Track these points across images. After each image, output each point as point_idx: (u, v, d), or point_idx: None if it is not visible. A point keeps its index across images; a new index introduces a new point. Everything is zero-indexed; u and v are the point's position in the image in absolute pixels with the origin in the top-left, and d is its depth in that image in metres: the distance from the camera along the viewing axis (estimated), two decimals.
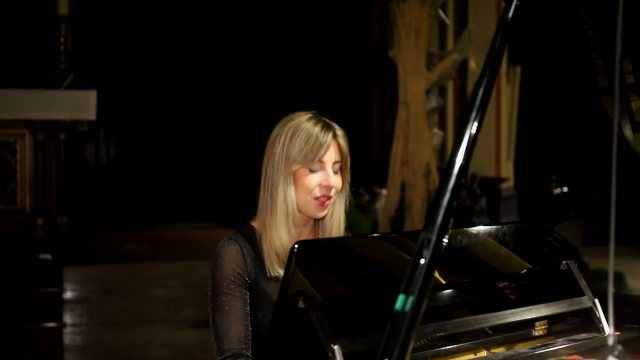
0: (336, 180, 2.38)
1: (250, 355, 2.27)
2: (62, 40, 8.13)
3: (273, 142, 2.40)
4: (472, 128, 1.48)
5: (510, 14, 1.61)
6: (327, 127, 2.38)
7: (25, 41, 10.91)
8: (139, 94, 13.28)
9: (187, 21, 13.33)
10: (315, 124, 2.37)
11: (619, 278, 8.66)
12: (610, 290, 1.29)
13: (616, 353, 1.22)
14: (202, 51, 13.45)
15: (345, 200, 2.48)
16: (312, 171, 2.36)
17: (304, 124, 2.37)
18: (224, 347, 2.27)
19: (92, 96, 7.59)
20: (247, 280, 2.33)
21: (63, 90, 7.75)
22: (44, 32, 8.95)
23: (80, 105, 7.57)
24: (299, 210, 2.38)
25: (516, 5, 1.64)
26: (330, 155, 2.37)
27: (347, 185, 2.46)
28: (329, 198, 2.38)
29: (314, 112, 2.43)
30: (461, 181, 1.46)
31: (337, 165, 2.40)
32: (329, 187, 2.36)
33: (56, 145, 7.57)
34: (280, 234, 2.35)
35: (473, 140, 1.49)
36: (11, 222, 7.47)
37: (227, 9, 13.29)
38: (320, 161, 2.35)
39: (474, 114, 1.49)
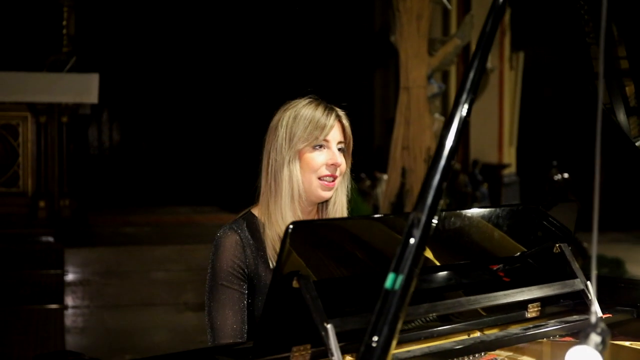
0: (342, 160, 2.39)
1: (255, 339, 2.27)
2: (64, 23, 8.16)
3: (275, 126, 2.40)
4: (463, 110, 1.50)
5: None
6: (329, 109, 2.40)
7: (28, 24, 10.91)
8: (142, 78, 13.30)
9: (189, 6, 13.32)
10: (317, 107, 2.39)
11: (618, 264, 8.69)
12: (594, 272, 1.31)
13: (599, 330, 1.24)
14: (205, 35, 13.46)
15: (347, 187, 2.48)
16: (317, 149, 2.36)
17: (306, 108, 2.38)
18: (219, 340, 2.27)
19: (94, 79, 7.62)
20: (246, 272, 2.32)
21: (65, 74, 7.78)
22: (47, 16, 8.96)
23: (82, 88, 7.59)
24: (305, 192, 2.37)
25: None
26: (335, 135, 2.38)
27: (348, 171, 2.47)
28: (334, 178, 2.38)
29: (313, 96, 2.44)
30: (451, 163, 1.48)
31: (341, 146, 2.40)
32: (335, 166, 2.37)
33: (58, 128, 7.60)
34: (285, 217, 2.34)
35: (463, 122, 1.50)
36: (13, 204, 7.51)
37: None
38: (325, 140, 2.36)
39: (464, 97, 1.51)
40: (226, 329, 2.27)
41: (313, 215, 2.46)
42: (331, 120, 2.37)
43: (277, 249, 2.28)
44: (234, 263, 2.31)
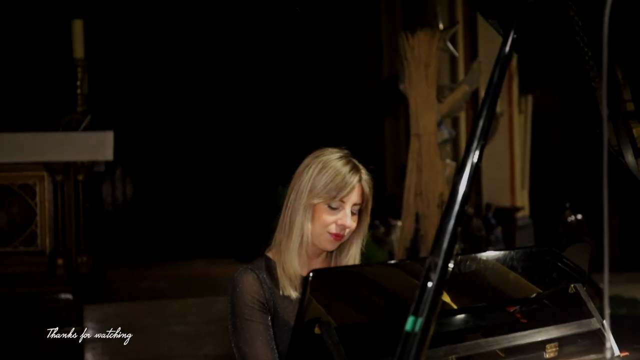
0: (352, 222, 2.46)
1: None
2: (78, 83, 8.27)
3: (301, 171, 2.49)
4: (474, 157, 1.56)
5: (507, 48, 1.69)
6: (355, 170, 2.47)
7: (42, 85, 11.09)
8: (154, 133, 13.44)
9: (202, 61, 13.50)
10: (345, 164, 2.46)
11: (636, 304, 8.66)
12: (607, 308, 1.36)
13: None
14: (216, 89, 13.61)
15: (363, 241, 2.57)
16: (331, 208, 2.44)
17: (335, 161, 2.46)
18: None
19: (109, 137, 7.70)
20: (266, 305, 2.40)
21: (81, 132, 7.86)
22: (61, 76, 9.10)
23: (97, 146, 7.68)
24: (312, 242, 2.46)
25: (513, 39, 1.73)
26: (352, 197, 2.45)
27: (365, 227, 2.55)
28: (341, 236, 2.47)
29: (346, 151, 2.52)
30: (464, 208, 1.54)
31: (356, 208, 2.48)
32: (343, 227, 2.45)
33: (75, 187, 7.66)
34: (292, 260, 2.44)
35: (475, 168, 1.57)
36: (32, 263, 7.55)
37: (240, 40, 13.45)
38: (341, 200, 2.44)
39: (475, 144, 1.57)
40: None
41: (322, 260, 2.56)
42: (353, 182, 2.44)
43: (286, 284, 2.42)
44: (253, 298, 2.40)
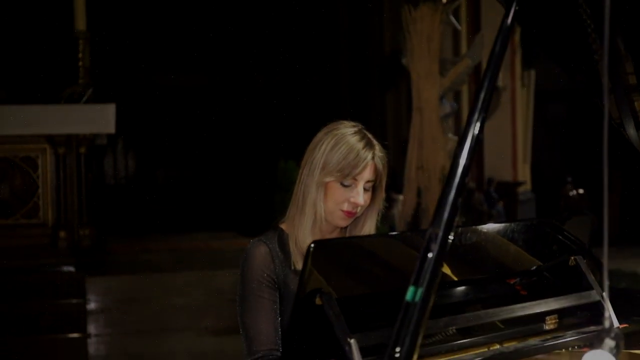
0: (364, 199, 2.43)
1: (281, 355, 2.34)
2: (80, 55, 8.25)
3: (314, 146, 2.45)
4: (475, 129, 1.57)
5: (509, 19, 1.69)
6: (369, 146, 2.42)
7: (44, 58, 11.06)
8: (156, 105, 13.42)
9: (204, 35, 13.45)
10: (359, 140, 2.42)
11: (636, 278, 8.69)
12: (606, 282, 1.37)
13: (612, 335, 1.29)
14: (218, 63, 13.58)
15: (378, 216, 2.55)
16: (343, 185, 2.41)
17: (349, 136, 2.42)
18: (255, 347, 2.33)
19: (110, 110, 7.70)
20: (275, 281, 2.39)
21: (82, 105, 7.85)
22: (62, 48, 9.08)
23: (99, 119, 7.68)
24: (326, 218, 2.44)
25: (515, 10, 1.72)
26: (365, 174, 2.41)
27: (380, 202, 2.53)
28: (354, 213, 2.45)
29: (360, 126, 2.49)
30: (465, 180, 1.54)
31: (369, 184, 2.44)
32: (355, 205, 2.42)
33: (77, 159, 7.67)
34: (305, 236, 2.42)
35: (476, 140, 1.57)
36: (34, 235, 7.57)
37: (243, 23, 13.42)
38: (354, 178, 2.41)
39: (476, 116, 1.57)
40: (262, 336, 2.33)
41: (336, 235, 2.53)
42: (367, 158, 2.40)
43: (298, 259, 2.40)
44: (263, 272, 2.38)
